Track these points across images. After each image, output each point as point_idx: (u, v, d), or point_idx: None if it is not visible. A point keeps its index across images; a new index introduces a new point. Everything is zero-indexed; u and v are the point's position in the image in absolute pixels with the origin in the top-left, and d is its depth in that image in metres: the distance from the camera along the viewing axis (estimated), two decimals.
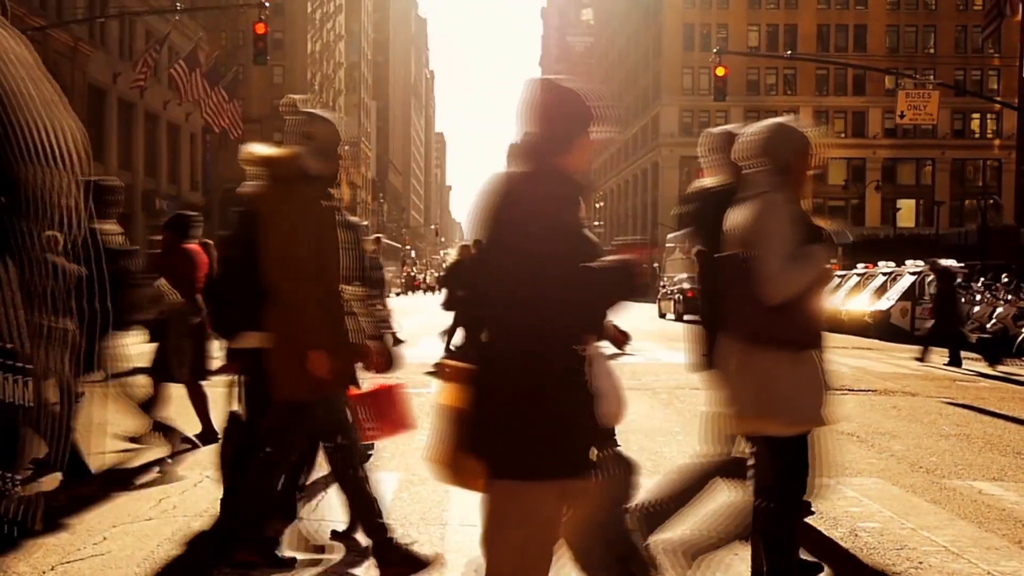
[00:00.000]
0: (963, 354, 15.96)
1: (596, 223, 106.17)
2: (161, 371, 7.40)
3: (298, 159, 4.25)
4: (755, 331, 3.66)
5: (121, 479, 6.32)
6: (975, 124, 77.06)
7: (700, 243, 4.68)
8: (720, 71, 30.52)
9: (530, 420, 2.73)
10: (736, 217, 3.75)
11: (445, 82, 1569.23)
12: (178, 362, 7.38)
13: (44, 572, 4.41)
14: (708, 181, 4.77)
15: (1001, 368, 15.09)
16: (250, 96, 75.92)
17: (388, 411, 5.52)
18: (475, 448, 2.81)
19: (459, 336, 16.33)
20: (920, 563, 4.68)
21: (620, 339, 13.22)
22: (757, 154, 3.76)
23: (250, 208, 4.28)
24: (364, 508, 4.35)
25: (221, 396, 5.26)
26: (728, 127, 4.78)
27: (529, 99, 2.93)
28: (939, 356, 15.84)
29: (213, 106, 41.75)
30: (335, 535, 4.86)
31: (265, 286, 4.11)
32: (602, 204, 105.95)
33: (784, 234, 3.55)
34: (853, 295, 25.43)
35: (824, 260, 3.63)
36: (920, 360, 15.85)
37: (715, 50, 32.63)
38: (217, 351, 5.26)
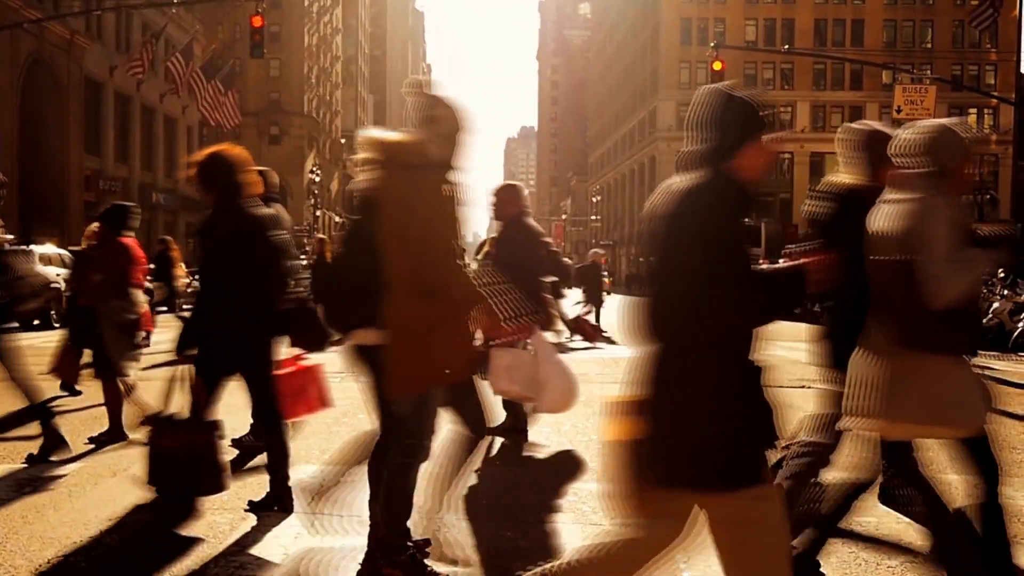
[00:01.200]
0: None
1: (593, 217, 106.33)
2: (105, 369, 7.33)
3: (423, 144, 4.10)
4: (914, 335, 3.64)
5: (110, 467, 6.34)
6: (972, 119, 77.00)
7: (836, 243, 4.48)
8: (717, 65, 30.47)
9: (701, 433, 2.77)
10: (888, 219, 3.71)
11: (442, 76, 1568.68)
12: (118, 356, 7.27)
13: (40, 565, 4.41)
14: (846, 178, 4.60)
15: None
16: (247, 89, 75.78)
17: (308, 389, 5.70)
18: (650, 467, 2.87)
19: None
20: (915, 557, 4.69)
21: (591, 333, 12.94)
22: (918, 155, 3.74)
23: (370, 200, 4.18)
24: (399, 505, 4.27)
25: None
26: (872, 124, 4.68)
27: (702, 107, 2.98)
28: None
29: (210, 99, 41.69)
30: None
31: (386, 277, 4.01)
32: (599, 198, 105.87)
33: (947, 237, 3.53)
34: None
35: (985, 263, 3.63)
36: None
37: (712, 44, 32.60)
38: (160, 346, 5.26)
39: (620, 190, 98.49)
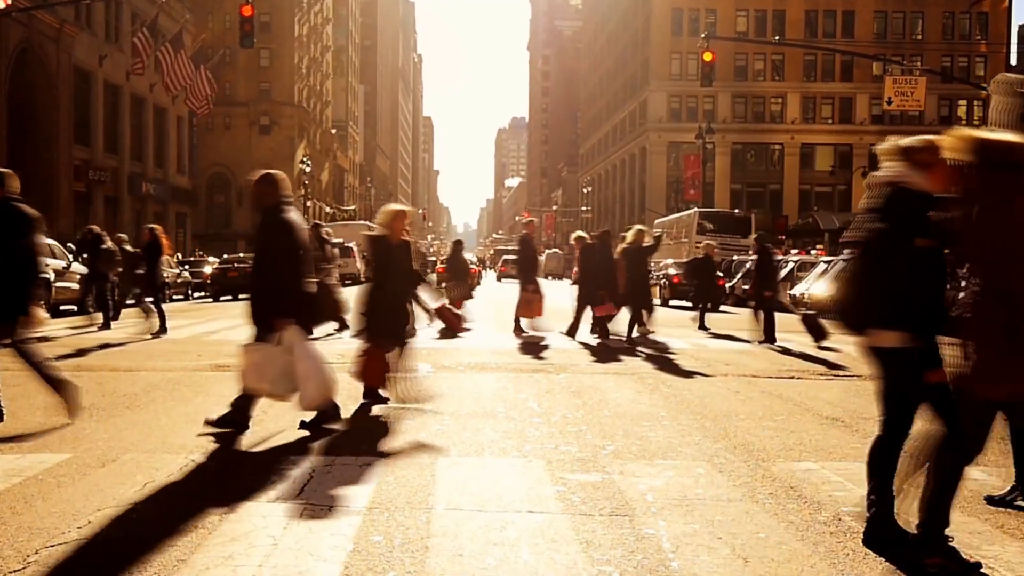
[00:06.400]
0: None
1: (583, 208, 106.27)
2: None
3: None
4: None
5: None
6: (961, 111, 77.25)
7: None
8: (708, 56, 30.48)
9: None
10: None
11: (433, 66, 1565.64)
12: None
13: (28, 556, 4.39)
14: None
15: (825, 344, 15.33)
16: (237, 79, 75.52)
17: None
18: None
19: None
20: None
21: (454, 322, 12.73)
22: None
23: (953, 199, 4.23)
24: (948, 501, 4.38)
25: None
26: None
27: None
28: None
29: (199, 89, 41.54)
30: None
31: (990, 278, 4.14)
32: (590, 189, 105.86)
33: None
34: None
35: None
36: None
37: (703, 35, 32.58)
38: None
39: (611, 181, 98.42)
